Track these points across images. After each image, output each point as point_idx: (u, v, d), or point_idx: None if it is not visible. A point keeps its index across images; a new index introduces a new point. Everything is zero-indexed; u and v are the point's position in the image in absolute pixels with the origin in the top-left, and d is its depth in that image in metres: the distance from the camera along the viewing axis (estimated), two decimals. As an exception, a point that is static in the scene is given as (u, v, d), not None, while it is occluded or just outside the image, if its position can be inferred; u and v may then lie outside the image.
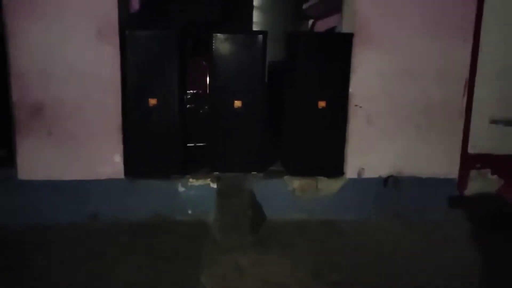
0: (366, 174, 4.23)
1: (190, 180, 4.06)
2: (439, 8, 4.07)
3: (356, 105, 4.16)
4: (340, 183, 4.20)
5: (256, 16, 6.48)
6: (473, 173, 4.25)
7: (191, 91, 5.17)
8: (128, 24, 4.08)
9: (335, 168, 4.27)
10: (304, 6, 6.64)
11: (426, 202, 4.27)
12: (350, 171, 4.23)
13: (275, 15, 6.40)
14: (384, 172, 4.25)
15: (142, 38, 3.91)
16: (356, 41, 4.08)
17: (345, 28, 4.24)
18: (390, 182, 4.21)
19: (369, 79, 4.14)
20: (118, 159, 3.96)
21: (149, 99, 3.96)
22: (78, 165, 3.92)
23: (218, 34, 4.06)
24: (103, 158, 3.94)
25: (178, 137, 4.09)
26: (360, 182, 4.21)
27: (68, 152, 3.90)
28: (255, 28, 6.39)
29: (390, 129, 4.23)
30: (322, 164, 4.24)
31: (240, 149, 4.22)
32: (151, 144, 4.07)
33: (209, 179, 4.08)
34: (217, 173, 4.20)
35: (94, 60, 3.83)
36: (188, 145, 4.40)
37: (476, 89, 4.17)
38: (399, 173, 4.24)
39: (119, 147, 3.96)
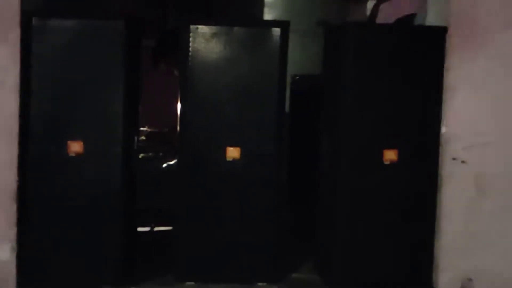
0: (478, 292, 4.15)
1: (141, 297, 4.06)
2: None
3: (454, 159, 4.08)
4: (427, 308, 4.15)
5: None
6: None
7: (147, 128, 5.17)
8: (38, 8, 4.07)
9: (417, 279, 4.19)
10: (358, -22, 7.07)
11: None
12: (446, 285, 4.14)
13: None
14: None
15: (61, 32, 3.91)
16: (453, 40, 4.05)
17: (431, 18, 4.27)
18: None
19: (478, 110, 4.11)
20: (5, 255, 3.87)
21: (70, 143, 3.92)
22: None
23: (200, 26, 4.05)
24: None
25: (118, 216, 4.03)
26: (466, 306, 4.16)
27: None
28: (267, 15, 6.45)
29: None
30: (391, 269, 4.17)
31: (235, 240, 4.16)
32: (69, 228, 4.00)
33: (176, 297, 4.07)
34: (192, 283, 4.14)
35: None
36: (138, 230, 4.40)
37: None
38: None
39: (10, 233, 3.87)
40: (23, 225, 3.91)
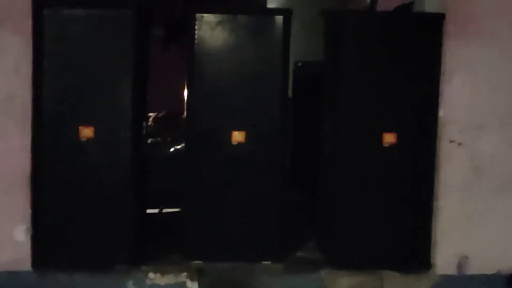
0: (473, 268, 4.17)
1: (151, 275, 4.02)
2: None
3: (452, 141, 4.13)
4: (426, 284, 4.13)
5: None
6: None
7: (155, 114, 5.23)
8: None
9: (416, 256, 4.22)
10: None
11: None
12: (443, 262, 4.20)
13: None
14: (506, 264, 4.19)
15: (73, 22, 3.94)
16: (449, 27, 4.08)
17: (429, 5, 4.27)
18: (519, 283, 4.16)
19: (474, 94, 4.15)
20: (21, 236, 3.93)
21: (81, 129, 3.96)
22: None
23: (206, 15, 4.09)
24: (-7, 233, 3.91)
25: (129, 198, 4.06)
26: (463, 282, 4.16)
27: None
28: (271, 4, 6.44)
29: (516, 184, 4.20)
30: (391, 249, 4.19)
31: (241, 220, 4.20)
32: (82, 210, 4.03)
33: (184, 274, 4.04)
34: (200, 262, 4.16)
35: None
36: (148, 211, 4.41)
37: None
38: (536, 267, 4.17)
39: (25, 215, 3.93)
40: (38, 207, 3.94)
